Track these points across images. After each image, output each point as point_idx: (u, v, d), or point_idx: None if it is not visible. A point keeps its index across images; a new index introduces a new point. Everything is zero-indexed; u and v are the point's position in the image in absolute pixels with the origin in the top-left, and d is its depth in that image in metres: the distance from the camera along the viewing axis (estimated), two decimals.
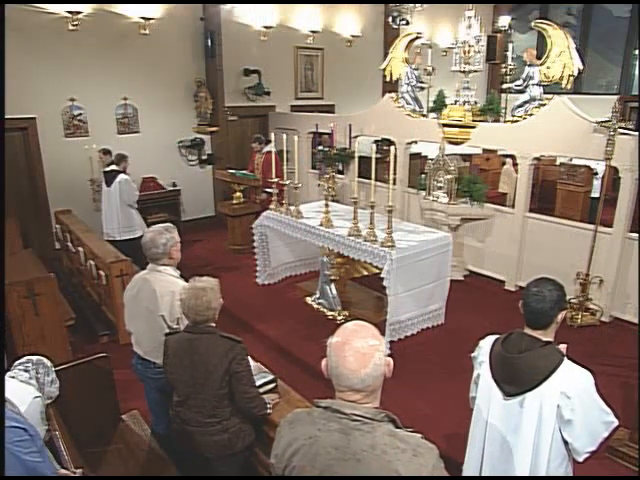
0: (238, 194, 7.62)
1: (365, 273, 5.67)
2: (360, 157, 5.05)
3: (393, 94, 7.46)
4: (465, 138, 6.32)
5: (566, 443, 1.98)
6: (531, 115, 5.85)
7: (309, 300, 5.76)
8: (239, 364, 2.39)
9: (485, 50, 9.76)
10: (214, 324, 2.51)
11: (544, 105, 5.75)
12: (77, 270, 6.24)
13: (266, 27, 8.99)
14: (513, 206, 6.27)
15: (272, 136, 5.97)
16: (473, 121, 6.16)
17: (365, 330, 1.46)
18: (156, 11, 7.72)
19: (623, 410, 3.68)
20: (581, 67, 5.64)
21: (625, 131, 5.07)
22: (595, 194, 7.58)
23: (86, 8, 7.14)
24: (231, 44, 8.61)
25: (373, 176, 4.62)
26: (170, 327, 2.79)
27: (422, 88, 7.33)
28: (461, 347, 4.46)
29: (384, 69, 7.51)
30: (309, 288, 5.96)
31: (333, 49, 10.21)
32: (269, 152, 6.91)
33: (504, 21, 11.49)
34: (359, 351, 1.40)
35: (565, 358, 1.98)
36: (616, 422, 1.98)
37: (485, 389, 2.13)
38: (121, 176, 6.19)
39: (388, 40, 10.06)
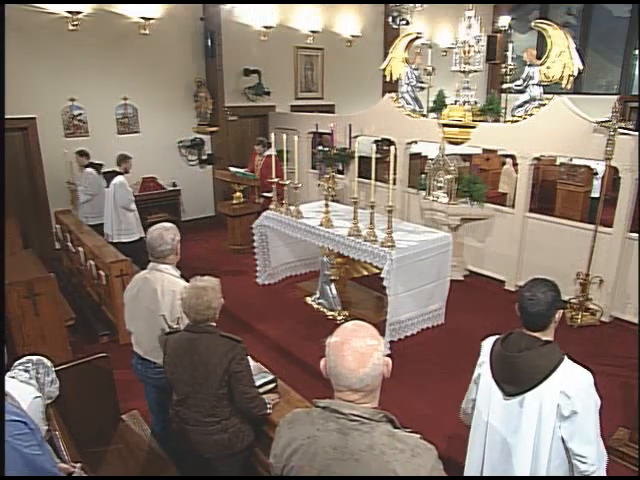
0: (238, 194, 7.63)
1: (365, 273, 5.66)
2: (360, 157, 5.05)
3: (393, 94, 7.46)
4: (465, 138, 6.32)
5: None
6: (531, 115, 5.85)
7: (309, 300, 5.76)
8: (239, 364, 2.39)
9: (485, 50, 9.76)
10: (214, 323, 2.51)
11: (544, 105, 5.75)
12: (77, 270, 6.25)
13: (266, 27, 8.99)
14: (513, 206, 6.27)
15: (272, 136, 5.96)
16: (473, 121, 6.16)
17: (364, 330, 1.46)
18: (156, 11, 7.73)
19: (623, 410, 3.70)
20: (581, 67, 5.64)
21: (625, 131, 5.06)
22: (595, 194, 7.58)
23: (86, 8, 7.15)
24: (231, 44, 8.62)
25: (373, 176, 4.62)
26: (170, 327, 2.79)
27: (422, 88, 7.33)
28: (461, 347, 4.50)
29: (384, 69, 7.51)
30: (309, 288, 5.96)
31: (333, 49, 10.22)
32: (269, 156, 6.92)
33: (504, 21, 11.50)
34: (358, 351, 1.40)
35: (565, 357, 1.98)
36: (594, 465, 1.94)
37: (485, 389, 2.13)
38: (117, 178, 6.17)
39: (388, 40, 10.06)
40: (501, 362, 2.06)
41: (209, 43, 8.36)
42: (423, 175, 6.50)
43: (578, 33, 11.78)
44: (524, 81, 6.14)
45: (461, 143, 6.42)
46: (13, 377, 2.21)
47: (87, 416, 3.03)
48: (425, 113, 7.20)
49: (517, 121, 5.99)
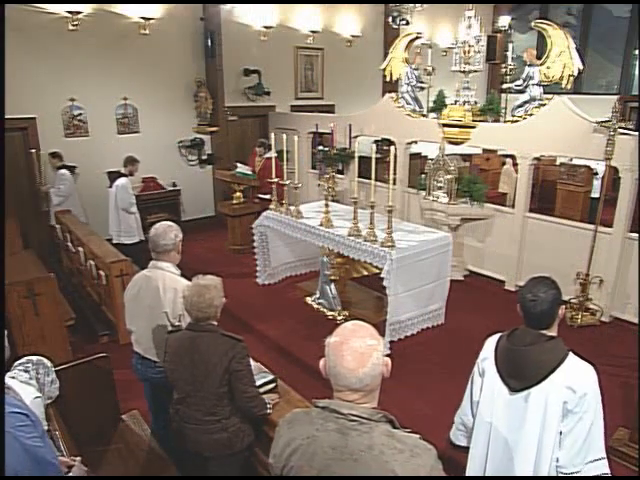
0: (238, 194, 7.63)
1: (365, 273, 5.66)
2: (360, 157, 5.05)
3: (393, 94, 7.46)
4: (465, 138, 6.32)
5: None
6: (531, 115, 5.85)
7: (309, 300, 5.76)
8: (239, 363, 2.40)
9: (485, 50, 9.76)
10: (216, 322, 2.52)
11: (544, 105, 5.75)
12: (77, 270, 6.25)
13: (266, 27, 8.99)
14: (513, 206, 6.27)
15: (272, 136, 5.96)
16: (473, 121, 6.16)
17: (363, 330, 1.46)
18: (156, 11, 7.73)
19: (623, 410, 3.70)
20: (581, 67, 5.64)
21: (625, 131, 5.06)
22: (595, 194, 7.58)
23: (86, 8, 7.15)
24: (231, 44, 8.62)
25: (373, 176, 4.62)
26: (172, 324, 2.81)
27: (422, 88, 7.33)
28: (461, 347, 4.49)
29: (384, 69, 7.51)
30: (309, 288, 5.96)
31: (333, 49, 10.22)
32: (269, 158, 6.92)
33: (504, 21, 11.50)
34: (357, 350, 1.40)
35: (570, 353, 1.99)
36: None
37: (489, 386, 2.13)
38: (120, 180, 6.16)
39: (388, 40, 10.06)
40: (506, 357, 2.06)
41: (209, 43, 8.36)
42: (423, 175, 6.49)
43: (578, 33, 11.78)
44: (524, 81, 6.13)
45: (461, 143, 6.42)
46: (13, 377, 2.21)
47: (87, 416, 3.03)
48: (425, 113, 7.20)
49: (517, 121, 5.99)
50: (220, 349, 2.39)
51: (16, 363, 2.30)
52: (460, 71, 5.98)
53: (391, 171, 4.79)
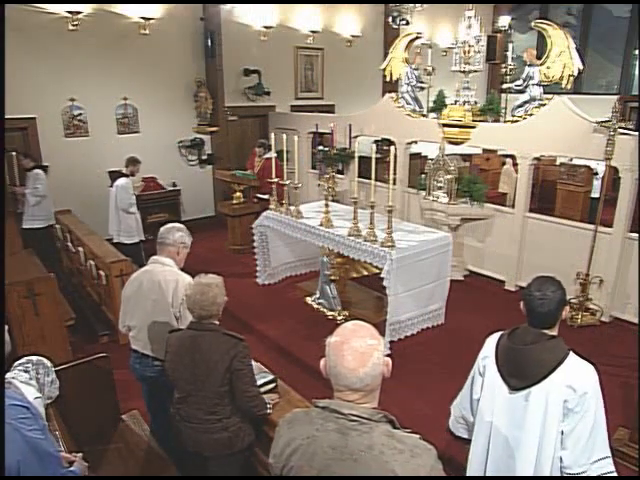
0: (238, 194, 7.63)
1: (365, 273, 5.67)
2: (360, 157, 5.05)
3: (393, 94, 7.46)
4: (465, 138, 6.32)
5: None
6: (531, 115, 5.85)
7: (309, 300, 5.76)
8: (241, 362, 2.40)
9: (485, 50, 9.76)
10: (218, 322, 2.52)
11: (544, 105, 5.75)
12: (77, 270, 6.25)
13: (266, 27, 8.99)
14: (513, 206, 6.27)
15: (272, 136, 5.96)
16: (473, 121, 6.16)
17: (364, 330, 1.46)
18: (156, 11, 7.73)
19: (623, 410, 3.69)
20: (581, 67, 5.64)
21: (625, 131, 5.06)
22: (595, 194, 7.58)
23: (86, 8, 7.15)
24: (231, 44, 8.62)
25: (373, 176, 4.62)
26: (174, 314, 2.87)
27: (422, 88, 7.33)
28: (461, 347, 4.49)
29: (384, 69, 7.51)
30: (309, 288, 5.96)
31: (333, 49, 10.22)
32: (268, 158, 6.92)
33: (504, 21, 11.50)
34: (357, 350, 1.40)
35: (571, 352, 1.99)
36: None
37: (490, 384, 2.13)
38: (120, 180, 6.14)
39: (388, 40, 10.07)
40: (507, 355, 2.06)
41: (209, 43, 8.36)
42: (423, 175, 6.49)
43: (578, 33, 11.79)
44: (524, 81, 6.13)
45: (461, 143, 6.42)
46: (13, 378, 2.21)
47: (87, 416, 3.03)
48: (425, 113, 7.20)
49: (517, 121, 5.99)
50: (222, 348, 2.39)
51: (16, 363, 2.30)
52: (460, 71, 5.98)
53: (391, 171, 4.79)
